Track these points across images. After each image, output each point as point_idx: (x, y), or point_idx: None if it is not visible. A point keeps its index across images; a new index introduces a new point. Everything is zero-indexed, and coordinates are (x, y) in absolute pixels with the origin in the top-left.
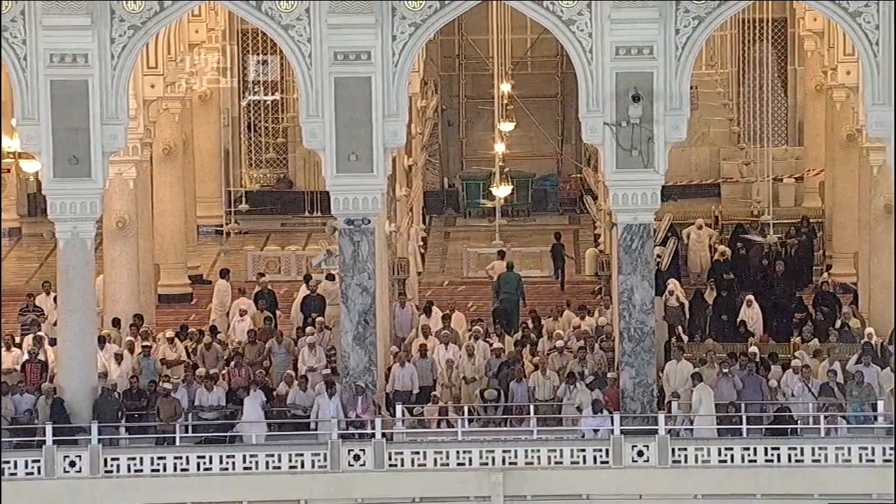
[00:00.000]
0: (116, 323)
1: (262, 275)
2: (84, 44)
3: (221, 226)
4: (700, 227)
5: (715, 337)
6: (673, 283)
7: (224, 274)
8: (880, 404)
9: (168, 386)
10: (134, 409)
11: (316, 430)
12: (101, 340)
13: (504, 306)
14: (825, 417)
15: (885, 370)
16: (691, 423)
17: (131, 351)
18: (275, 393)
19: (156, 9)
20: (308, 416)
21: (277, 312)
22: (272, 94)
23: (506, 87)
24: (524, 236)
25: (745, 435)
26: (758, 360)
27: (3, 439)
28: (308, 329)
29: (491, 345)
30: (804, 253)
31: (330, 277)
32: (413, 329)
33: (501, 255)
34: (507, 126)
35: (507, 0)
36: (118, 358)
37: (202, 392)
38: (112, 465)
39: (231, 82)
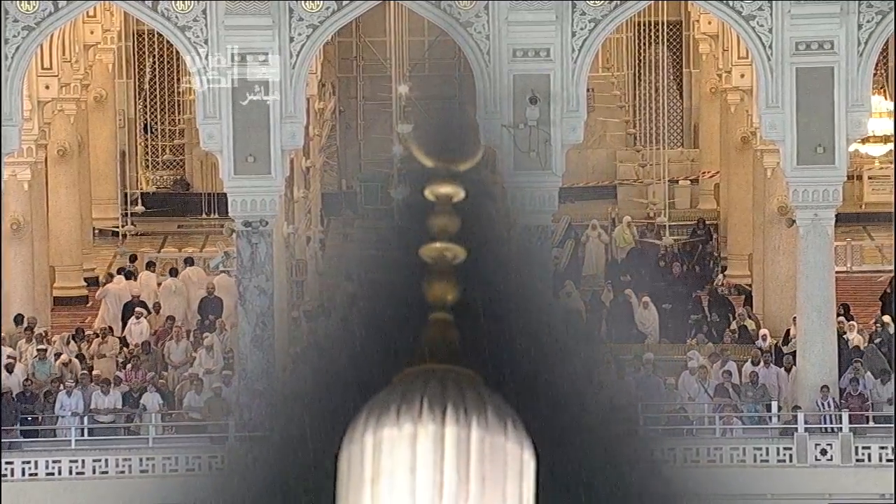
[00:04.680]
0: (20, 320)
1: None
2: None
3: (117, 228)
4: (594, 228)
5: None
6: (569, 284)
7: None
8: (773, 405)
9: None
10: (28, 413)
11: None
12: None
13: None
14: (720, 418)
15: (782, 370)
16: None
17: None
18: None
19: (50, 9)
20: (204, 420)
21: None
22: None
23: (403, 89)
24: None
25: None
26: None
27: None
28: (205, 334)
29: None
30: (700, 255)
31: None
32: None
33: None
34: (404, 127)
35: (404, 1)
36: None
37: (98, 395)
38: (6, 470)
39: (127, 83)
